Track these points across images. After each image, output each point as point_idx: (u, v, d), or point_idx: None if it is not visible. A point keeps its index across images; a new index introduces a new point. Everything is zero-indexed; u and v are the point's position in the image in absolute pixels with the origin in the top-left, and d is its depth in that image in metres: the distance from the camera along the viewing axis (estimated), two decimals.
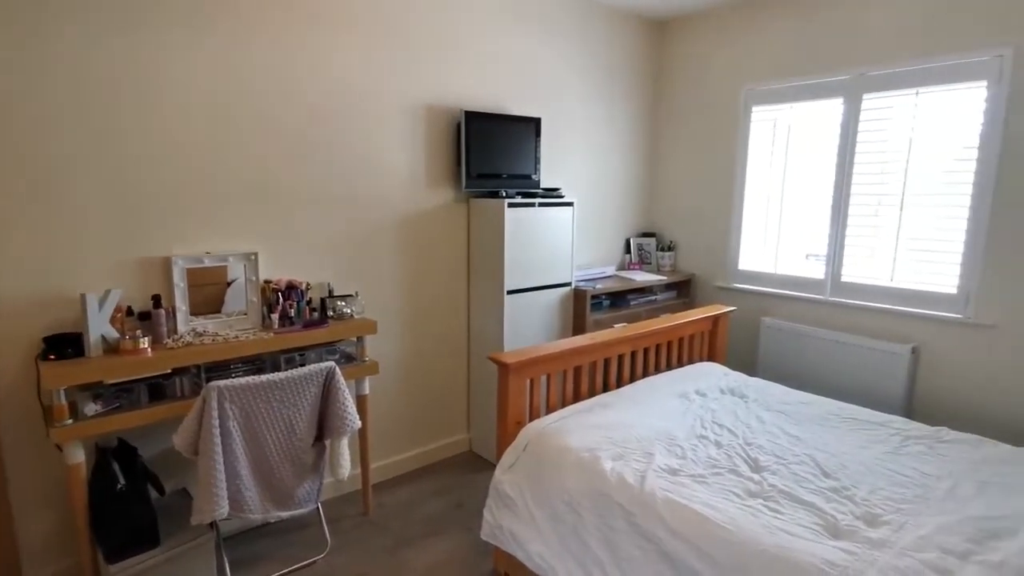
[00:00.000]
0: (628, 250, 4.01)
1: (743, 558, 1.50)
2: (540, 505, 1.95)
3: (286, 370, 2.08)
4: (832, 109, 3.13)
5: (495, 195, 3.01)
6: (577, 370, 2.46)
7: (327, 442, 2.22)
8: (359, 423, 2.21)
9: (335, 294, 2.64)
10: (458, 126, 2.94)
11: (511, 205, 2.90)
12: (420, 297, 3.00)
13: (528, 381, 2.21)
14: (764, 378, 3.06)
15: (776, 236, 3.48)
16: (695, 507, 1.66)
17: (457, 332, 3.19)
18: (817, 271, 3.27)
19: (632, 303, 3.56)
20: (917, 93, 2.81)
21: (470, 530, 2.49)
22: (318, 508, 2.32)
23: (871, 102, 2.97)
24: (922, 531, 1.58)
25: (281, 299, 2.36)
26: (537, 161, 3.20)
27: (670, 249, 3.98)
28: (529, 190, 3.17)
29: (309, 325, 2.36)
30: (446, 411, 3.22)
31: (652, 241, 4.03)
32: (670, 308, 3.63)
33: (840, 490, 1.80)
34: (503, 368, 2.12)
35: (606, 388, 2.60)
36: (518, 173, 3.15)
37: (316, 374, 2.11)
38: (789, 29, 3.26)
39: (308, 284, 2.51)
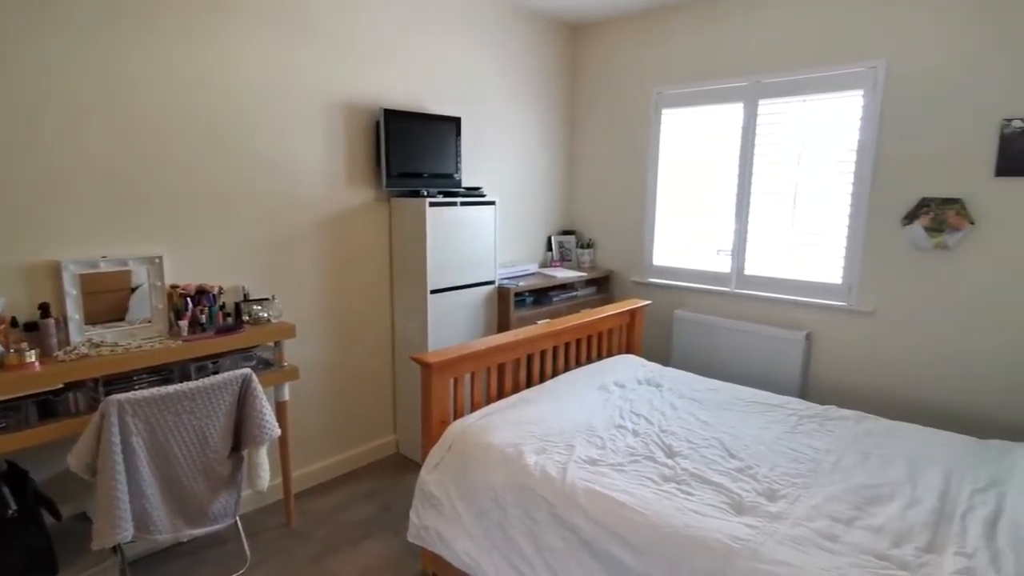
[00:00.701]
0: (550, 248, 4.10)
1: (656, 539, 1.59)
2: (466, 503, 1.97)
3: (198, 379, 1.98)
4: (733, 113, 3.35)
5: (416, 194, 2.99)
6: (501, 367, 2.50)
7: (244, 452, 2.13)
8: (278, 431, 2.14)
9: (251, 298, 2.53)
10: (377, 124, 2.90)
11: (432, 204, 2.89)
12: (342, 298, 2.94)
13: (452, 380, 2.23)
14: (678, 368, 3.22)
15: (687, 233, 3.67)
16: (613, 495, 1.74)
17: (381, 333, 3.15)
18: (724, 265, 3.48)
19: (555, 299, 3.65)
20: (804, 101, 3.06)
21: (398, 533, 2.48)
22: (236, 522, 2.23)
23: (766, 107, 3.21)
24: (813, 501, 1.74)
25: (191, 305, 2.24)
26: (458, 160, 3.21)
27: (589, 246, 4.11)
28: (451, 189, 3.18)
29: (223, 331, 2.26)
30: (372, 414, 3.17)
31: (572, 239, 4.14)
32: (590, 303, 3.75)
33: (744, 469, 1.94)
34: (426, 368, 2.12)
35: (530, 384, 2.66)
36: (439, 172, 3.14)
37: (230, 382, 2.02)
38: (693, 37, 3.45)
39: (221, 288, 2.40)
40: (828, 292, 3.08)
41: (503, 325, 3.31)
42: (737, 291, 3.40)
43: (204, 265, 2.42)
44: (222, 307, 2.36)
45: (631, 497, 1.74)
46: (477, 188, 3.32)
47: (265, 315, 2.46)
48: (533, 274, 3.73)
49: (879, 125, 2.82)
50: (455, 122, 3.18)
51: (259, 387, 2.09)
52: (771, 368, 3.20)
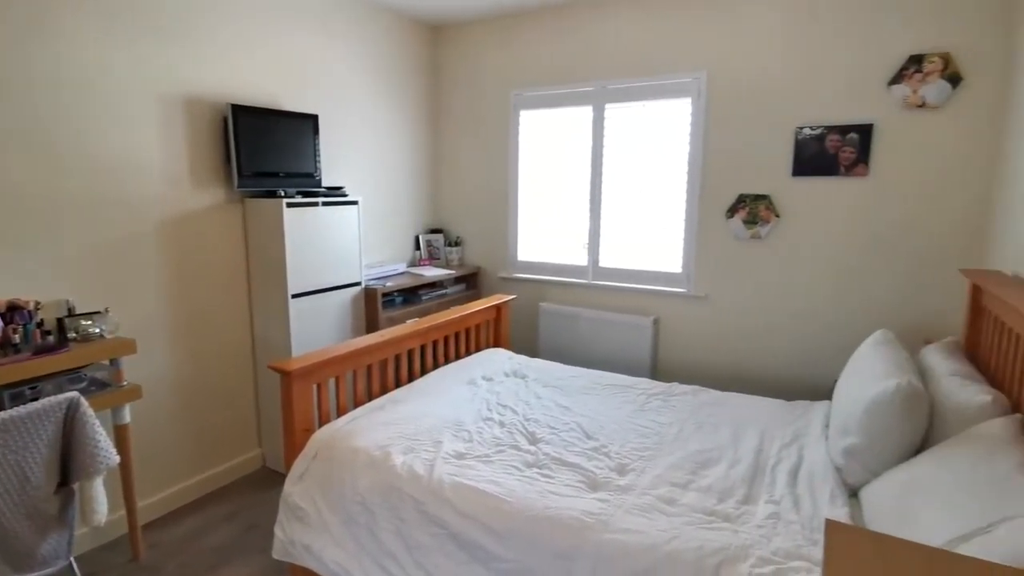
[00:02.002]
0: (418, 247, 4.11)
1: (518, 524, 1.68)
2: (333, 511, 1.94)
3: (12, 407, 1.74)
4: (584, 115, 3.58)
5: (272, 195, 2.85)
6: (368, 369, 2.48)
7: (75, 486, 1.92)
8: (117, 458, 1.95)
9: (77, 312, 2.27)
10: (225, 121, 2.72)
11: (291, 205, 2.78)
12: (193, 307, 2.73)
13: (315, 386, 2.17)
14: (544, 358, 3.40)
15: (548, 229, 3.87)
16: (479, 486, 1.81)
17: (240, 342, 2.97)
18: (583, 259, 3.72)
19: (424, 298, 3.67)
20: (644, 105, 3.36)
21: (265, 552, 2.37)
22: (71, 564, 2.00)
23: (612, 111, 3.47)
24: (656, 471, 1.94)
25: (1, 324, 1.96)
26: (317, 159, 3.11)
27: (457, 244, 4.17)
28: (311, 189, 3.07)
29: (41, 351, 2.01)
30: (233, 428, 2.99)
31: (440, 237, 4.18)
32: (460, 300, 3.82)
33: (599, 448, 2.11)
34: (285, 376, 2.05)
35: (400, 384, 2.66)
36: (297, 172, 3.02)
37: (52, 409, 1.81)
38: (545, 42, 3.63)
39: (38, 303, 2.12)
40: (670, 280, 3.41)
41: (372, 326, 3.27)
42: (594, 283, 3.65)
43: (15, 279, 2.13)
44: (40, 324, 2.09)
45: (496, 486, 1.82)
46: (339, 188, 3.24)
47: (97, 330, 2.22)
48: (401, 273, 3.72)
49: (704, 129, 3.17)
50: (312, 120, 3.07)
51: (89, 412, 1.89)
52: (626, 352, 3.48)
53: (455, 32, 3.99)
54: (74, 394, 1.87)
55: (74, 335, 2.18)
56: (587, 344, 3.60)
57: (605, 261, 3.64)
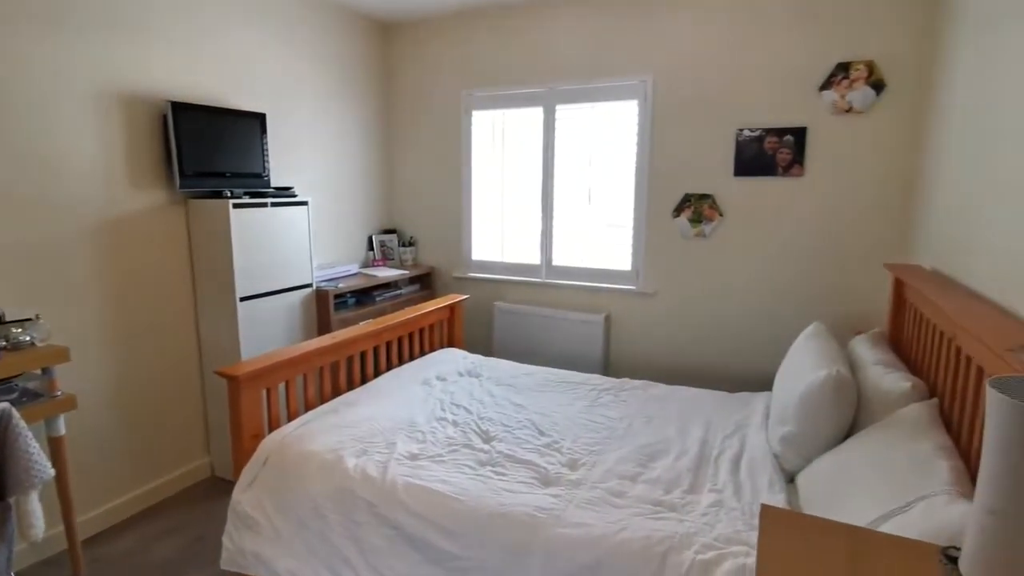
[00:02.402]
0: (371, 247, 4.07)
1: (472, 522, 1.71)
2: (285, 518, 1.92)
3: None
4: (535, 116, 3.62)
5: (218, 195, 2.78)
6: (320, 372, 2.46)
7: (11, 501, 1.83)
8: (52, 471, 1.86)
9: (6, 320, 2.16)
10: (165, 119, 2.63)
11: (237, 206, 2.72)
12: (133, 313, 2.63)
13: (264, 391, 2.14)
14: (499, 357, 3.43)
15: (502, 228, 3.90)
16: (433, 486, 1.83)
17: (185, 348, 2.88)
18: (536, 257, 3.77)
19: (378, 299, 3.64)
20: (593, 107, 3.43)
21: (213, 563, 2.31)
22: None
23: (563, 112, 3.53)
24: (607, 465, 1.99)
25: None
26: (265, 159, 3.04)
27: (411, 244, 4.15)
28: (259, 189, 3.00)
29: None
30: (179, 437, 2.89)
31: (394, 237, 4.15)
32: (414, 301, 3.80)
33: (551, 444, 2.15)
34: (232, 381, 2.00)
35: (353, 386, 2.64)
36: (245, 171, 2.95)
37: None
38: (497, 42, 3.65)
39: None
40: (621, 278, 3.50)
41: (324, 328, 3.22)
42: (547, 281, 3.70)
43: None
44: None
45: (449, 486, 1.83)
46: (288, 188, 3.18)
47: (28, 338, 2.12)
48: (355, 274, 3.68)
49: (651, 131, 3.26)
50: (260, 118, 3.00)
51: (21, 423, 1.80)
52: (579, 349, 3.54)
53: (407, 31, 3.96)
54: (4, 405, 1.79)
55: (3, 343, 2.07)
56: (541, 342, 3.65)
57: (558, 260, 3.70)
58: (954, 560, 0.99)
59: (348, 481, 1.88)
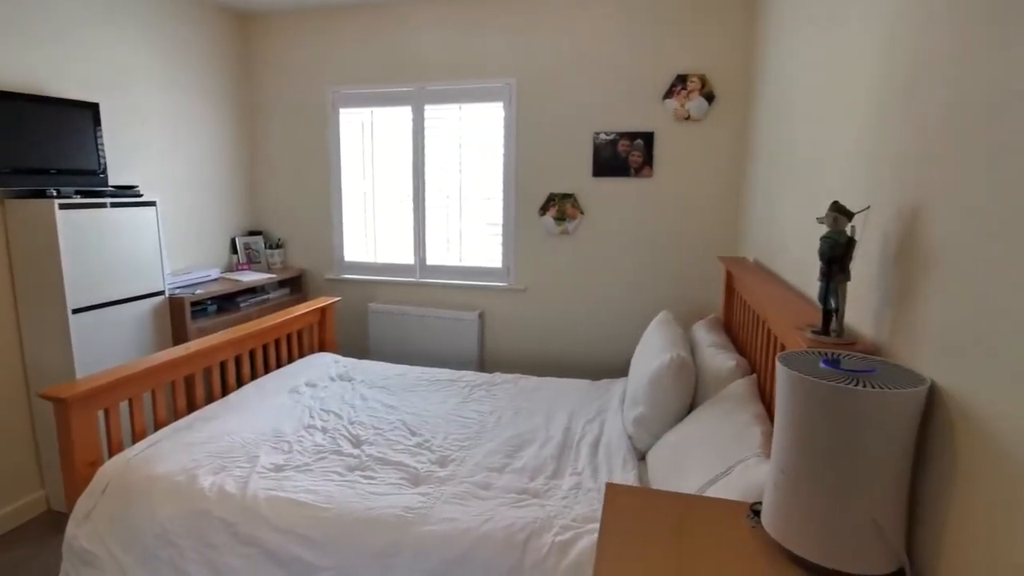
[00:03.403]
0: (235, 250, 3.82)
1: (338, 529, 1.68)
2: (129, 550, 1.76)
3: None
4: (404, 115, 3.60)
5: (42, 194, 2.48)
6: (172, 386, 2.28)
7: None
8: None
9: None
10: None
11: (66, 206, 2.44)
12: None
13: (101, 412, 1.95)
14: (375, 359, 3.38)
15: (374, 228, 3.83)
16: (296, 496, 1.77)
17: (7, 368, 2.54)
18: (409, 257, 3.75)
19: (243, 305, 3.43)
20: (460, 108, 3.48)
21: None
22: None
23: (431, 112, 3.54)
24: (476, 459, 2.05)
25: None
26: (100, 154, 2.75)
27: (279, 246, 3.96)
28: (94, 188, 2.71)
29: None
30: (8, 469, 2.55)
31: (260, 239, 3.93)
32: (284, 305, 3.64)
33: (423, 443, 2.17)
34: (59, 404, 1.80)
35: (213, 399, 2.48)
36: (75, 168, 2.65)
37: None
38: (363, 39, 3.58)
39: None
40: (493, 275, 3.59)
41: (179, 339, 2.98)
42: (421, 280, 3.70)
43: None
44: None
45: (315, 495, 1.79)
46: (132, 187, 2.90)
47: None
48: (215, 280, 3.44)
49: (516, 132, 3.38)
50: (92, 109, 2.71)
51: None
52: (454, 347, 3.59)
53: (266, 22, 3.75)
54: None
55: None
56: (417, 342, 3.65)
57: (432, 259, 3.71)
58: (759, 514, 1.16)
59: (203, 502, 1.77)
